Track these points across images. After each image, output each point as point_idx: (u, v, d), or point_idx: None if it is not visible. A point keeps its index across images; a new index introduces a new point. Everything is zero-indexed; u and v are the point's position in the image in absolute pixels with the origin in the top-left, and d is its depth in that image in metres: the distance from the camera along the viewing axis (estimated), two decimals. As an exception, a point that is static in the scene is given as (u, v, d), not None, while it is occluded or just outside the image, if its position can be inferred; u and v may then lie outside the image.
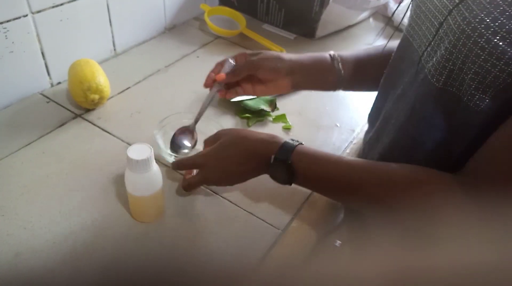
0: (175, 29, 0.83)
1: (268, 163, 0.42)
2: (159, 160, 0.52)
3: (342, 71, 0.51)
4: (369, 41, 0.87)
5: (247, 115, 0.61)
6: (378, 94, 0.49)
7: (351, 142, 0.60)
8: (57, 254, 0.40)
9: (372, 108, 0.51)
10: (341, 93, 0.70)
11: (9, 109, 0.58)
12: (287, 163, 0.40)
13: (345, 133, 0.61)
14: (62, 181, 0.48)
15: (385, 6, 0.94)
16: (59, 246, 0.41)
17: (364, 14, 0.91)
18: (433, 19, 0.35)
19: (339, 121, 0.63)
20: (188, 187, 0.46)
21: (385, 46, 0.50)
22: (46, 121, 0.56)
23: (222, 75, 0.51)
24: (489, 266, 0.26)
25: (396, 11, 0.75)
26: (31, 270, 0.39)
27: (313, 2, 0.79)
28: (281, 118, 0.62)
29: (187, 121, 0.53)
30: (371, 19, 0.96)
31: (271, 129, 0.60)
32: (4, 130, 0.54)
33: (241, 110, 0.62)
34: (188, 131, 0.52)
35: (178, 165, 0.46)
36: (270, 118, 0.62)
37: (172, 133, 0.52)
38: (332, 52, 0.53)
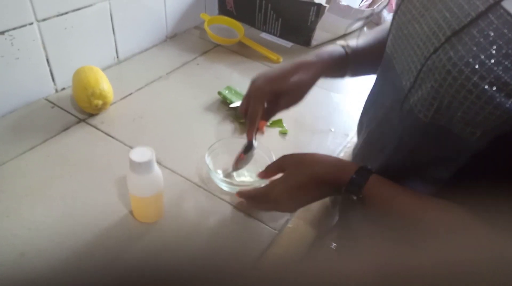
0: (176, 37, 0.85)
1: (338, 189, 0.39)
2: (160, 163, 0.54)
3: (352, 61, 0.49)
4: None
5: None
6: (364, 106, 0.49)
7: (345, 146, 0.62)
8: (61, 254, 0.41)
9: (359, 119, 0.51)
10: (335, 99, 0.72)
11: (15, 113, 0.60)
12: (358, 197, 0.38)
13: (339, 137, 0.63)
14: (66, 183, 0.49)
15: (379, 15, 0.97)
16: (63, 246, 0.42)
17: (358, 24, 0.93)
18: (416, 48, 0.34)
19: (334, 126, 0.65)
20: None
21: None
22: (50, 125, 0.58)
23: (263, 123, 0.49)
24: (478, 264, 0.28)
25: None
26: (35, 270, 0.40)
27: (309, 12, 0.82)
28: (278, 123, 0.64)
29: (236, 145, 0.53)
30: (365, 28, 0.99)
31: (268, 134, 0.62)
32: (10, 134, 0.56)
33: (239, 115, 0.64)
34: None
35: (248, 199, 0.46)
36: (267, 123, 0.63)
37: (221, 158, 0.53)
38: (341, 43, 0.50)
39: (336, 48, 0.49)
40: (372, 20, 1.00)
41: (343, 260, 0.37)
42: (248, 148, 0.50)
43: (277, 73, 0.46)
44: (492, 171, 0.30)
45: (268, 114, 0.48)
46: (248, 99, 0.47)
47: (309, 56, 0.48)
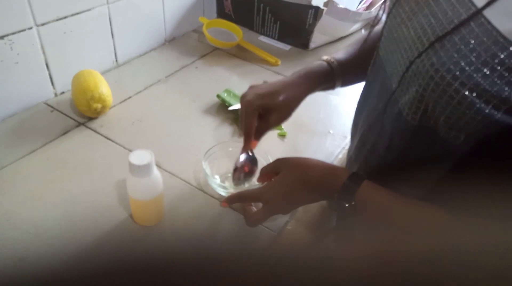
0: (174, 41, 0.86)
1: (331, 194, 0.40)
2: (159, 166, 0.54)
3: (339, 75, 0.52)
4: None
5: (244, 123, 0.63)
6: (356, 108, 0.50)
7: (344, 148, 0.62)
8: (61, 258, 0.41)
9: (353, 121, 0.51)
10: (333, 101, 0.73)
11: (15, 117, 0.60)
12: (350, 204, 0.38)
13: (338, 139, 0.64)
14: (66, 187, 0.49)
15: (378, 18, 0.98)
16: (63, 250, 0.42)
17: (356, 26, 0.94)
18: (403, 51, 0.35)
19: (332, 128, 0.66)
20: (256, 225, 0.45)
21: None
22: (50, 129, 0.58)
23: (255, 143, 0.50)
24: (464, 248, 0.28)
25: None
26: (36, 274, 0.40)
27: (307, 15, 0.82)
28: (277, 125, 0.64)
29: (232, 149, 0.54)
30: (363, 30, 1.00)
31: (267, 136, 0.62)
32: (10, 138, 0.56)
33: (238, 118, 0.64)
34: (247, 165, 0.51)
35: (239, 198, 0.45)
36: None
37: (219, 162, 0.53)
38: (326, 57, 0.52)
39: (320, 64, 0.51)
40: (370, 22, 1.01)
41: (341, 248, 0.38)
42: (254, 162, 0.50)
43: (266, 89, 0.48)
44: (480, 173, 0.31)
45: (258, 132, 0.50)
46: (242, 115, 0.48)
47: (294, 75, 0.50)
